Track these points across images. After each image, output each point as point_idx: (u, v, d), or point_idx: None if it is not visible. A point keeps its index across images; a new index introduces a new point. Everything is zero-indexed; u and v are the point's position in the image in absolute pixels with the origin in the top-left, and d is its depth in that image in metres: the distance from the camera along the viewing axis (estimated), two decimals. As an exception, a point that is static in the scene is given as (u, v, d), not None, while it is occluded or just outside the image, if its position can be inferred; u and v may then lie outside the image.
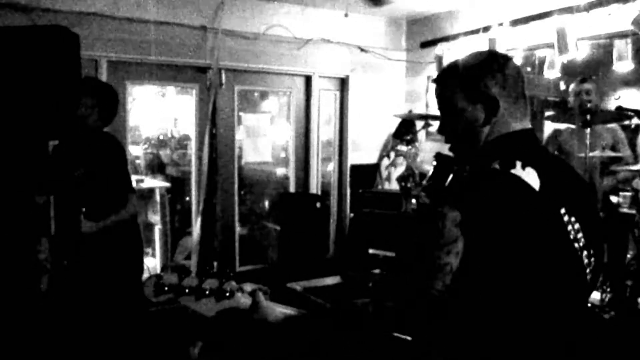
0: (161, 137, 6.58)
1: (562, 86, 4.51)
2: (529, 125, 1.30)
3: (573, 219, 1.19)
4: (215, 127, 4.71)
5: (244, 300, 1.31)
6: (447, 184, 1.22)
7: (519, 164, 1.17)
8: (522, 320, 1.13)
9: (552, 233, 1.17)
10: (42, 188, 2.51)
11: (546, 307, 1.15)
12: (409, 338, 1.18)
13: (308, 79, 5.32)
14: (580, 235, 1.19)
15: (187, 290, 1.26)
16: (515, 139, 1.27)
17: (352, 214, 5.36)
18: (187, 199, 5.30)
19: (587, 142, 3.43)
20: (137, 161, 6.28)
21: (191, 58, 4.56)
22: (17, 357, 2.28)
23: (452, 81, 1.31)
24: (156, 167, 6.35)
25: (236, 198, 5.03)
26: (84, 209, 2.59)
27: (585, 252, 1.20)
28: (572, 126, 3.91)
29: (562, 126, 4.06)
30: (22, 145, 2.26)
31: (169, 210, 5.25)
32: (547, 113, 4.78)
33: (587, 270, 1.21)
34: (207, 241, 4.66)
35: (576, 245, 1.18)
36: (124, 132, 4.43)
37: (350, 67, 5.40)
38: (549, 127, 4.35)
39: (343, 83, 5.52)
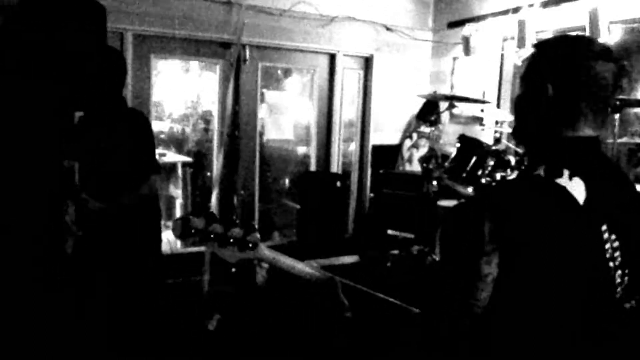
0: (184, 113, 6.61)
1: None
2: (593, 134, 1.18)
3: (613, 236, 1.12)
4: (238, 103, 4.72)
5: (267, 253, 1.34)
6: (487, 186, 1.15)
7: (566, 172, 1.11)
8: (546, 333, 1.10)
9: (587, 250, 1.11)
10: (69, 154, 2.53)
11: (570, 322, 1.12)
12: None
13: (332, 57, 5.28)
14: (617, 254, 1.13)
15: (212, 236, 1.28)
16: (573, 145, 1.17)
17: (372, 194, 5.35)
18: (209, 174, 5.34)
19: (616, 128, 3.36)
20: (161, 136, 6.33)
21: (216, 33, 4.55)
22: (41, 318, 2.34)
23: (530, 70, 1.21)
24: (179, 141, 6.40)
25: (257, 175, 5.04)
26: (85, 189, 2.58)
27: (619, 272, 1.14)
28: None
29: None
30: (50, 112, 2.29)
31: (190, 184, 5.30)
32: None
33: (619, 289, 1.15)
34: (226, 215, 4.70)
35: (611, 264, 1.13)
36: (149, 107, 4.46)
37: (375, 46, 5.34)
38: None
39: (367, 62, 5.47)
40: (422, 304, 1.20)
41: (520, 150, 4.08)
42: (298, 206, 5.21)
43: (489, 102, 4.42)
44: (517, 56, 4.40)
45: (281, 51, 5.03)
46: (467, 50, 4.94)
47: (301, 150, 5.74)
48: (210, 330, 3.47)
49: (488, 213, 1.07)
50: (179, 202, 5.18)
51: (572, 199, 1.09)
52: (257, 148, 5.03)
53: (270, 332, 3.26)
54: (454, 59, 5.30)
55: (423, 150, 5.00)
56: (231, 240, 1.28)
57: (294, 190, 5.73)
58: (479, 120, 4.54)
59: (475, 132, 4.50)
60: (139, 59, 4.39)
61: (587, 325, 1.13)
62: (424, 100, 5.04)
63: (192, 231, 1.28)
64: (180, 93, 6.68)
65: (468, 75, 5.19)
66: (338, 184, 5.08)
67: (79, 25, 2.48)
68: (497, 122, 4.17)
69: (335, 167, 5.42)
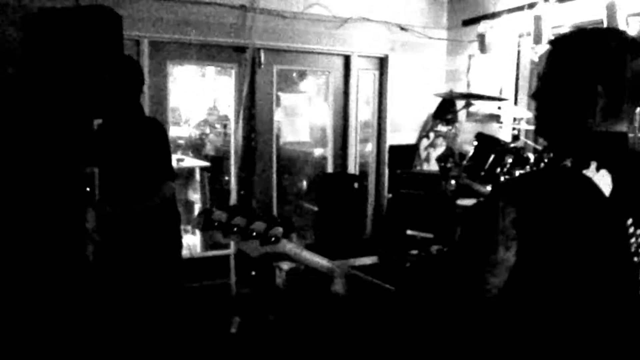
0: (201, 117, 6.66)
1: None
2: (624, 129, 1.18)
3: (639, 231, 1.11)
4: (254, 106, 4.74)
5: (290, 247, 1.32)
6: (510, 175, 1.14)
7: (593, 164, 1.10)
8: (565, 328, 1.09)
9: (610, 243, 1.10)
10: (88, 160, 2.56)
11: (592, 318, 1.10)
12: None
13: (347, 59, 5.28)
14: None
15: (234, 229, 1.26)
16: (601, 139, 1.16)
17: (390, 195, 5.33)
18: (227, 178, 5.37)
19: (637, 120, 3.31)
20: (179, 141, 6.38)
21: (230, 38, 4.58)
22: (63, 323, 2.37)
23: (565, 60, 1.19)
24: (196, 146, 6.44)
25: (274, 177, 5.06)
26: (97, 194, 2.61)
27: None
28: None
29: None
30: (69, 120, 2.33)
31: (208, 189, 5.33)
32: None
33: None
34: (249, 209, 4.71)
35: (635, 259, 1.11)
36: (166, 112, 4.50)
37: (389, 46, 5.32)
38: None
39: (382, 62, 5.45)
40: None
41: (539, 147, 4.03)
42: (316, 208, 5.21)
43: (506, 100, 4.38)
44: (534, 52, 4.36)
45: (296, 54, 5.04)
46: (482, 48, 4.90)
47: (318, 152, 5.74)
48: (232, 333, 3.49)
49: (512, 199, 1.06)
50: (197, 207, 5.22)
51: (597, 190, 1.08)
52: (274, 151, 5.05)
53: (290, 333, 3.27)
54: (470, 56, 5.26)
55: (440, 150, 4.97)
56: (254, 234, 1.26)
57: (311, 192, 5.73)
58: (496, 117, 4.51)
59: (493, 130, 4.47)
60: (156, 66, 4.43)
61: (607, 319, 1.11)
62: (440, 99, 5.02)
63: (215, 224, 1.26)
64: (197, 98, 6.73)
65: (484, 72, 5.15)
66: (355, 185, 5.07)
67: (95, 34, 2.51)
68: (514, 119, 4.13)
69: (352, 168, 5.41)
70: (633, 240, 1.11)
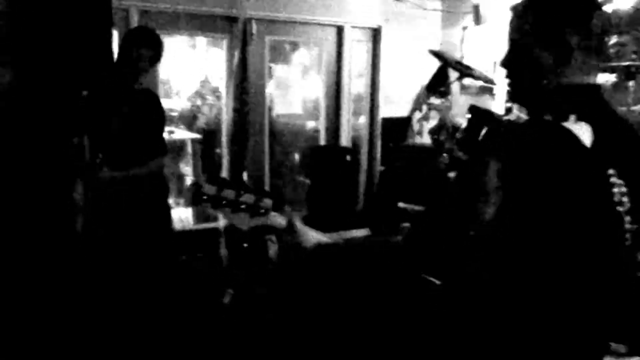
0: (192, 90, 6.59)
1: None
2: (595, 81, 1.23)
3: (621, 181, 1.13)
4: (246, 79, 4.68)
5: (279, 220, 1.34)
6: (485, 135, 1.19)
7: (572, 117, 1.13)
8: (552, 276, 1.10)
9: (593, 191, 1.13)
10: (77, 130, 2.55)
11: (578, 265, 1.12)
12: (437, 281, 1.19)
13: (340, 30, 5.21)
14: (626, 199, 1.13)
15: (224, 202, 1.28)
16: (576, 92, 1.20)
17: (382, 168, 5.33)
18: (218, 150, 5.34)
19: (630, 95, 3.31)
20: (170, 113, 6.32)
21: (222, 8, 4.50)
22: (53, 294, 2.37)
23: (531, 17, 1.23)
24: (188, 119, 6.39)
25: (267, 150, 5.03)
26: (100, 156, 2.61)
27: (628, 217, 1.14)
28: (614, 79, 3.76)
29: (603, 80, 3.90)
30: (58, 90, 2.29)
31: (200, 161, 5.31)
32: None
33: (628, 236, 1.16)
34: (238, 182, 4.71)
35: (619, 208, 1.13)
36: (156, 84, 4.44)
37: (383, 18, 5.26)
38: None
39: (376, 34, 5.39)
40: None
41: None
42: (308, 181, 5.20)
43: (493, 84, 4.35)
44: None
45: (288, 25, 4.97)
46: (477, 20, 4.85)
47: (310, 124, 5.71)
48: (225, 305, 3.51)
49: (497, 154, 1.09)
50: (189, 179, 5.20)
51: (578, 141, 1.11)
52: (266, 123, 5.01)
53: (283, 306, 3.29)
54: (464, 28, 5.21)
55: (433, 122, 4.95)
56: (243, 207, 1.27)
57: (304, 165, 5.72)
58: (489, 90, 4.48)
59: (486, 102, 4.45)
60: (145, 36, 4.35)
61: (595, 269, 1.14)
62: (433, 71, 4.98)
63: (204, 197, 1.27)
64: (188, 70, 6.65)
65: (478, 45, 5.11)
66: (348, 157, 5.06)
67: (83, 3, 2.46)
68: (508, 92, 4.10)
69: (345, 140, 5.39)
70: (616, 189, 1.13)
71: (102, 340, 2.59)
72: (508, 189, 1.07)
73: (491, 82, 4.26)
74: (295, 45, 5.76)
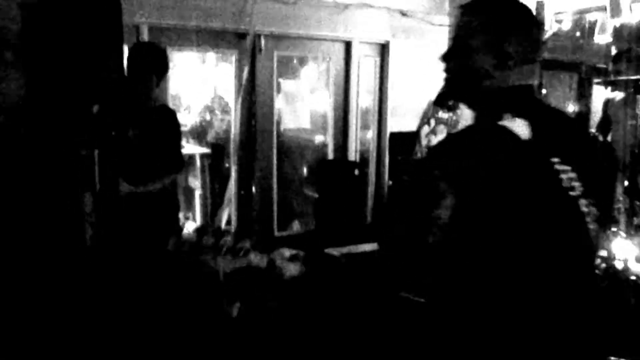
0: (202, 104, 6.64)
1: (614, 51, 4.31)
2: (529, 82, 1.31)
3: (567, 167, 1.17)
4: (254, 93, 4.72)
5: (257, 259, 1.40)
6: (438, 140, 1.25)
7: (508, 115, 1.20)
8: (512, 270, 1.13)
9: (539, 181, 1.17)
10: (87, 143, 2.58)
11: (539, 256, 1.14)
12: (416, 298, 1.22)
13: (348, 45, 5.25)
14: (576, 184, 1.17)
15: (204, 249, 1.33)
16: (511, 92, 1.28)
17: (390, 182, 5.33)
18: (227, 165, 5.37)
19: (637, 108, 3.30)
20: (182, 128, 6.36)
21: (231, 24, 4.55)
22: (62, 308, 2.38)
23: (477, 24, 1.31)
24: (197, 133, 6.43)
25: (275, 164, 5.05)
26: (121, 171, 2.65)
27: (583, 201, 1.17)
28: (623, 94, 3.76)
29: (613, 95, 3.90)
30: (68, 103, 2.32)
31: (209, 175, 5.33)
32: (596, 80, 4.59)
33: (588, 219, 1.18)
34: (245, 206, 4.72)
35: (572, 193, 1.17)
36: (166, 99, 4.48)
37: (391, 33, 5.29)
38: (597, 95, 4.19)
39: (383, 49, 5.42)
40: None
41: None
42: (316, 195, 5.21)
43: None
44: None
45: (296, 40, 5.01)
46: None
47: (318, 138, 5.73)
48: (233, 317, 3.51)
49: (442, 158, 1.19)
50: (197, 193, 5.22)
51: (514, 136, 1.16)
52: (274, 137, 5.03)
53: (291, 321, 3.28)
54: (471, 43, 5.23)
55: (441, 136, 4.95)
56: (224, 250, 1.32)
57: (312, 179, 5.73)
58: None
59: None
60: (156, 52, 4.40)
61: (554, 256, 1.16)
62: (441, 85, 4.99)
63: (187, 245, 1.32)
64: (197, 85, 6.70)
65: (486, 59, 5.12)
66: (356, 172, 5.07)
67: (95, 20, 2.50)
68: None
69: (353, 155, 5.40)
70: (564, 176, 1.16)
71: (105, 349, 2.59)
72: (459, 192, 1.11)
73: None
74: (303, 60, 5.80)
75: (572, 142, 1.26)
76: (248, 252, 1.37)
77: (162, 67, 2.82)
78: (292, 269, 1.42)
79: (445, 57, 1.39)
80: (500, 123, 1.19)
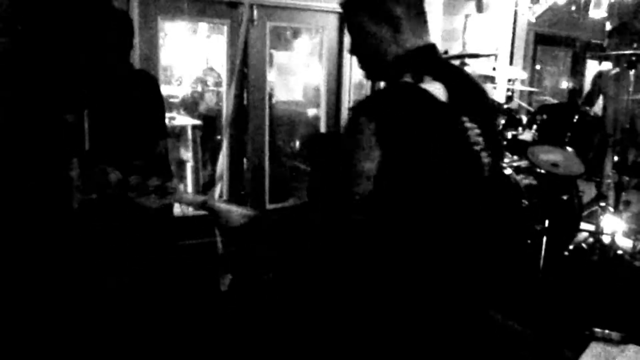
0: (193, 76, 6.58)
1: (608, 27, 4.29)
2: (431, 41, 1.44)
3: (474, 125, 1.35)
4: (246, 65, 4.67)
5: (186, 196, 1.47)
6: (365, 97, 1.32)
7: (428, 78, 1.31)
8: (430, 215, 1.29)
9: (454, 137, 1.33)
10: (72, 106, 2.54)
11: (454, 199, 1.33)
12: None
13: (342, 17, 5.18)
14: (480, 139, 1.36)
15: (131, 187, 1.36)
16: (422, 54, 1.41)
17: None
18: (219, 137, 5.34)
19: (631, 84, 3.30)
20: (171, 99, 6.32)
21: (223, -7, 4.48)
22: (50, 272, 2.39)
23: (357, 4, 1.43)
24: (189, 104, 6.39)
25: (267, 137, 5.03)
26: (106, 159, 2.60)
27: (484, 153, 1.37)
28: (617, 69, 3.74)
29: (606, 68, 3.89)
30: (53, 70, 2.29)
31: (200, 147, 5.31)
32: (590, 54, 4.59)
33: (486, 168, 1.39)
34: (237, 179, 4.72)
35: (476, 147, 1.36)
36: (157, 70, 4.42)
37: (385, 5, 5.22)
38: (592, 71, 4.18)
39: (377, 21, 5.36)
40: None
41: (531, 109, 4.02)
42: (309, 168, 5.21)
43: (494, 54, 4.34)
44: (531, 12, 4.30)
45: (290, 10, 4.94)
46: (479, 7, 4.83)
47: (311, 111, 5.71)
48: (223, 291, 3.53)
49: (370, 114, 1.24)
50: (189, 165, 5.21)
51: (436, 99, 1.30)
52: (267, 110, 5.00)
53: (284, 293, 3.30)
54: (466, 16, 5.18)
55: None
56: (151, 189, 1.36)
57: (304, 152, 5.72)
58: (490, 78, 4.47)
59: (488, 90, 4.43)
60: (146, 21, 4.33)
61: (464, 203, 1.35)
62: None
63: (111, 184, 1.35)
64: (189, 56, 6.63)
65: (481, 32, 5.09)
66: (348, 145, 5.05)
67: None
68: (509, 80, 4.11)
69: (346, 128, 5.38)
70: (471, 132, 1.35)
71: (96, 326, 2.60)
72: (386, 146, 1.21)
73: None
74: (297, 32, 5.73)
75: (477, 103, 1.44)
76: (175, 189, 1.40)
77: (124, 30, 2.69)
78: (235, 213, 1.46)
79: (351, 50, 1.49)
80: (423, 85, 1.30)
